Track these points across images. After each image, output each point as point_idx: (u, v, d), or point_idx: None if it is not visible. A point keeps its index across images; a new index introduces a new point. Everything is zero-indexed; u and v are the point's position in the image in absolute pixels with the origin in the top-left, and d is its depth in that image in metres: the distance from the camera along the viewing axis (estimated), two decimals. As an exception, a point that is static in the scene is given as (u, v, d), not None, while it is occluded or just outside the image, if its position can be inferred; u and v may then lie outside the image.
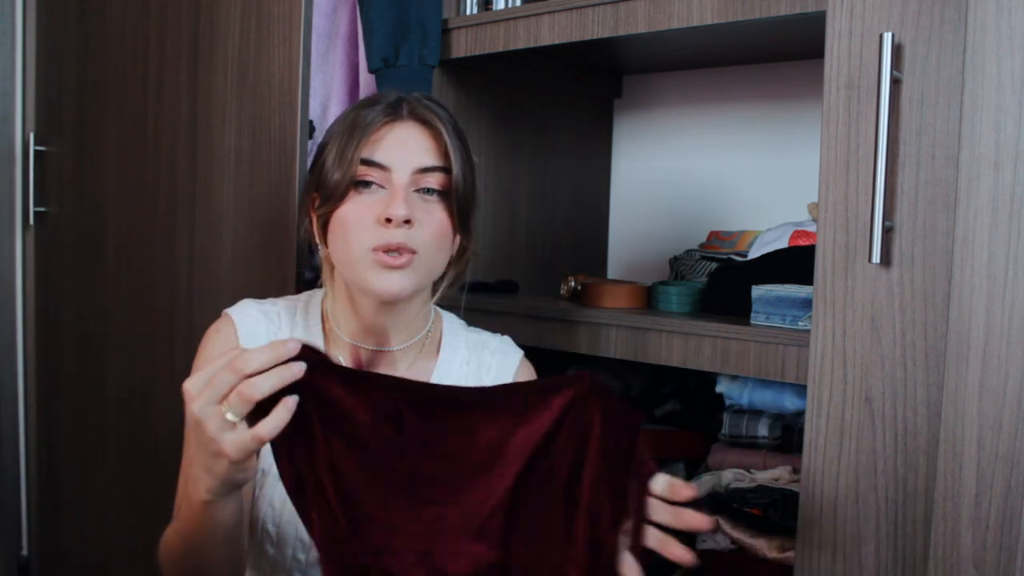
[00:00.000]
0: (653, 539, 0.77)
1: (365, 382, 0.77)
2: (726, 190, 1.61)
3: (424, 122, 0.97)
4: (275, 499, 0.97)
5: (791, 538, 1.06)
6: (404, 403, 0.77)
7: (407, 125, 0.97)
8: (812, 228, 1.23)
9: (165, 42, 1.59)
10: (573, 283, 1.38)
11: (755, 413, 1.19)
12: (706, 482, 1.20)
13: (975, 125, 0.86)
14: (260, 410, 0.72)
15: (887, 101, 0.88)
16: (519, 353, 1.10)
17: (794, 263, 1.12)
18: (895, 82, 0.89)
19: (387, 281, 0.93)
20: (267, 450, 0.76)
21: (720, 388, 1.20)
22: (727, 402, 1.20)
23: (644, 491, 0.77)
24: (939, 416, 0.88)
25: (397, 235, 0.92)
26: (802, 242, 1.21)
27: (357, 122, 0.96)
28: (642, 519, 0.77)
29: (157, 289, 1.62)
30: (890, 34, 0.88)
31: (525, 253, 1.60)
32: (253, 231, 1.43)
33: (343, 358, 1.01)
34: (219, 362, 0.72)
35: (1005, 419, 0.84)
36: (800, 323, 1.04)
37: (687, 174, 1.66)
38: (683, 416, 1.44)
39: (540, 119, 1.60)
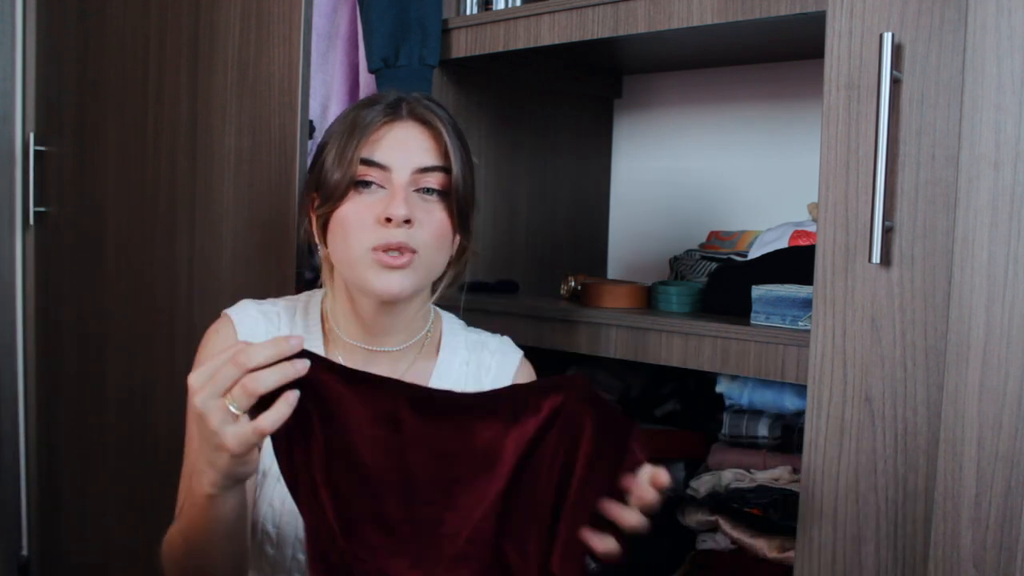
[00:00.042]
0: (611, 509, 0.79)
1: (364, 382, 0.77)
2: (726, 190, 1.61)
3: (424, 122, 0.97)
4: (275, 499, 0.97)
5: (791, 538, 1.06)
6: (403, 403, 0.77)
7: (407, 125, 0.97)
8: (812, 228, 1.23)
9: (165, 42, 1.59)
10: (573, 283, 1.38)
11: (755, 413, 1.19)
12: (706, 482, 1.20)
13: (975, 125, 0.86)
14: (262, 404, 0.73)
15: (887, 101, 0.88)
16: (519, 353, 1.10)
17: (794, 263, 1.12)
18: (895, 82, 0.89)
19: (387, 281, 0.93)
20: (268, 450, 0.77)
21: (720, 388, 1.20)
22: (727, 402, 1.20)
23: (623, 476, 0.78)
24: (939, 416, 0.88)
25: (397, 235, 0.92)
26: (802, 242, 1.21)
27: (357, 122, 0.96)
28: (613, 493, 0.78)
29: (157, 289, 1.62)
30: (890, 34, 0.88)
31: (525, 253, 1.60)
32: (253, 231, 1.43)
33: (343, 358, 1.01)
34: (222, 356, 0.73)
35: (1005, 419, 0.84)
36: (800, 323, 1.04)
37: (687, 174, 1.66)
38: (683, 416, 1.44)
39: (540, 119, 1.60)
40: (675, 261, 1.46)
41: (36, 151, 1.91)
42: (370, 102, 0.99)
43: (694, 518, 1.21)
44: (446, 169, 0.96)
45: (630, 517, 0.79)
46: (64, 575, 1.94)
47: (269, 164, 1.39)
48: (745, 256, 1.33)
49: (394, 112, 0.97)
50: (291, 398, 0.73)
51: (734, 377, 1.18)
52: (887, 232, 0.90)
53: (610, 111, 1.75)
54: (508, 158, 1.55)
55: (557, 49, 1.26)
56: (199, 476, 0.78)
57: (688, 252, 1.45)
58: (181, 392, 0.78)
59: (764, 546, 1.12)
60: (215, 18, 1.48)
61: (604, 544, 0.79)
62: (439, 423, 0.77)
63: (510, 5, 1.32)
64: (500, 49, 1.29)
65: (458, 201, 0.97)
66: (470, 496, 0.78)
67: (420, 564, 0.77)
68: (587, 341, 1.21)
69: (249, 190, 1.43)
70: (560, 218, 1.66)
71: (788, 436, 1.17)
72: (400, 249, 0.92)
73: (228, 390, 0.72)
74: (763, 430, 1.17)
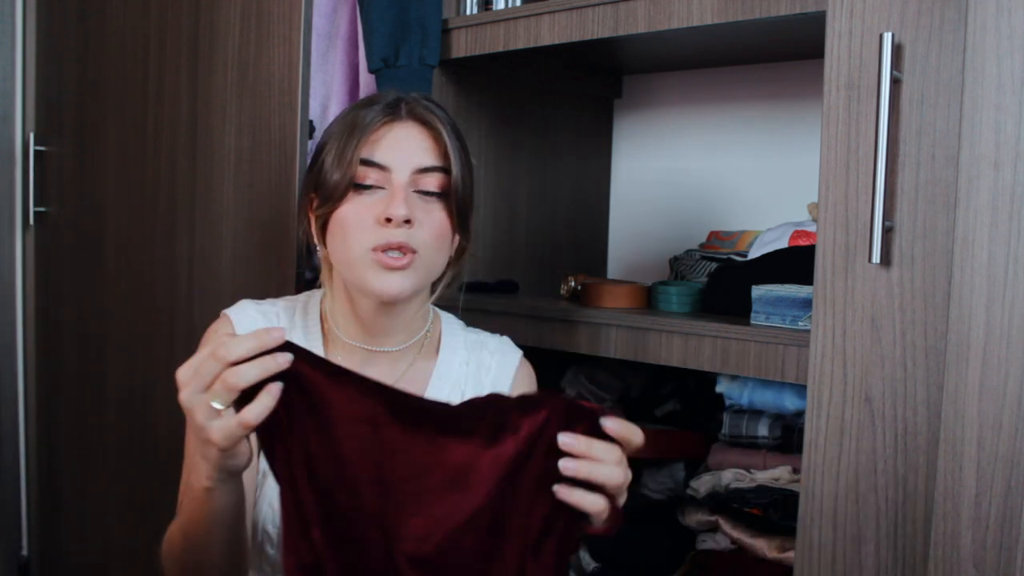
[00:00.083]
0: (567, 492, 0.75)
1: (346, 380, 0.77)
2: (726, 190, 1.61)
3: (423, 122, 0.97)
4: (274, 500, 0.97)
5: (791, 538, 1.06)
6: (381, 409, 0.76)
7: (406, 125, 0.97)
8: (812, 228, 1.23)
9: (165, 42, 1.59)
10: (573, 283, 1.38)
11: (755, 413, 1.19)
12: (706, 482, 1.20)
13: (975, 125, 0.86)
14: (248, 397, 0.72)
15: (887, 101, 0.88)
16: (518, 353, 1.10)
17: (794, 263, 1.12)
18: (895, 82, 0.89)
19: (387, 282, 0.93)
20: None
21: (720, 388, 1.20)
22: (727, 402, 1.20)
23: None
24: (939, 416, 0.88)
25: (397, 235, 0.92)
26: (802, 242, 1.21)
27: (356, 122, 0.96)
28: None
29: (157, 289, 1.62)
30: (890, 34, 0.88)
31: (525, 253, 1.60)
32: (253, 231, 1.43)
33: (342, 358, 1.01)
34: (204, 350, 0.73)
35: (1005, 419, 0.84)
36: (800, 323, 1.04)
37: (687, 174, 1.66)
38: (683, 416, 1.43)
39: (540, 119, 1.60)
40: (675, 261, 1.46)
41: (36, 151, 1.91)
42: (369, 102, 0.99)
43: (694, 518, 1.21)
44: (446, 169, 0.96)
45: (589, 500, 0.75)
46: (64, 575, 1.94)
47: (269, 164, 1.39)
48: (745, 256, 1.33)
49: (393, 112, 0.97)
50: (274, 390, 0.73)
51: (734, 377, 1.18)
52: (887, 232, 0.90)
53: (610, 111, 1.75)
54: (508, 158, 1.55)
55: (557, 49, 1.26)
56: (195, 470, 0.79)
57: (688, 252, 1.45)
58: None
59: (764, 546, 1.12)
60: (215, 18, 1.48)
61: (593, 503, 0.74)
62: (413, 435, 0.77)
63: (510, 5, 1.32)
64: (500, 49, 1.29)
65: (458, 202, 0.97)
66: (442, 506, 0.77)
67: (390, 558, 0.77)
68: (587, 341, 1.21)
69: (249, 190, 1.43)
70: (560, 218, 1.66)
71: (788, 436, 1.17)
72: (401, 249, 0.92)
73: (210, 385, 0.72)
74: (763, 430, 1.17)
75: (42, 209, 1.92)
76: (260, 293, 1.12)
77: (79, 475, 1.85)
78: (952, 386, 0.88)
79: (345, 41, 1.46)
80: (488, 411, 0.78)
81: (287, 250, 1.36)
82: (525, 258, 1.60)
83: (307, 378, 0.75)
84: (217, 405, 0.72)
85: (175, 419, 0.75)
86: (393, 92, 1.00)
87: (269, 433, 0.75)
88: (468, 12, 1.36)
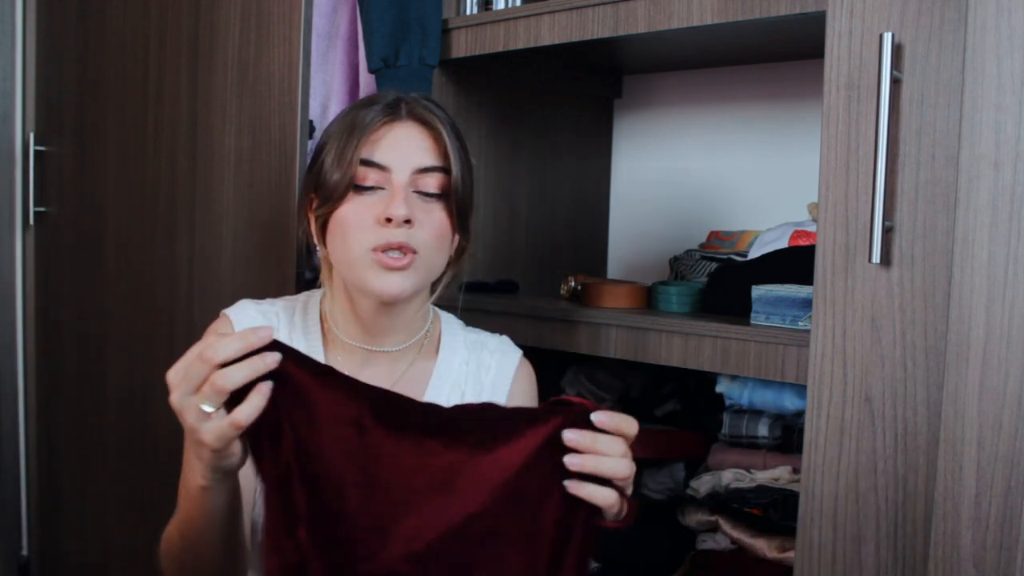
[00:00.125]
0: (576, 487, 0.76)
1: (333, 382, 0.76)
2: (726, 190, 1.61)
3: (423, 122, 0.97)
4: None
5: (791, 538, 1.06)
6: (366, 412, 0.76)
7: (406, 125, 0.97)
8: (812, 228, 1.23)
9: (165, 42, 1.59)
10: (573, 283, 1.38)
11: (755, 413, 1.19)
12: (706, 482, 1.20)
13: (975, 125, 0.86)
14: (238, 396, 0.72)
15: (887, 101, 0.88)
16: (518, 353, 1.10)
17: (794, 263, 1.12)
18: (895, 82, 0.89)
19: (387, 282, 0.93)
20: None
21: (720, 388, 1.20)
22: (727, 402, 1.20)
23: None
24: (939, 416, 0.88)
25: (397, 235, 0.92)
26: (802, 242, 1.21)
27: (356, 122, 0.96)
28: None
29: (157, 289, 1.62)
30: (890, 34, 0.88)
31: (525, 253, 1.60)
32: (253, 231, 1.43)
33: (342, 358, 1.01)
34: (192, 352, 0.73)
35: (1005, 419, 0.84)
36: (800, 323, 1.04)
37: (687, 174, 1.66)
38: (683, 416, 1.44)
39: (540, 119, 1.60)
40: (675, 261, 1.46)
41: (36, 151, 1.91)
42: (368, 102, 0.99)
43: (694, 518, 1.21)
44: (446, 169, 0.96)
45: (600, 494, 0.75)
46: (64, 575, 1.94)
47: (269, 164, 1.39)
48: (745, 256, 1.33)
49: (393, 112, 0.97)
50: (264, 389, 0.72)
51: (734, 377, 1.18)
52: (887, 232, 0.90)
53: (610, 111, 1.75)
54: (508, 158, 1.55)
55: (557, 49, 1.26)
56: (191, 469, 0.79)
57: (688, 252, 1.45)
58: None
59: (764, 546, 1.12)
60: (215, 18, 1.48)
61: (604, 496, 0.75)
62: (399, 438, 0.76)
63: (510, 5, 1.32)
64: (500, 49, 1.29)
65: (458, 202, 0.97)
66: (429, 509, 0.76)
67: (374, 558, 0.76)
68: (587, 341, 1.21)
69: (249, 190, 1.43)
70: (560, 218, 1.66)
71: (788, 436, 1.17)
72: (401, 249, 0.92)
73: (200, 387, 0.72)
74: (763, 430, 1.17)
75: (42, 209, 1.92)
76: (260, 293, 1.12)
77: (79, 475, 1.85)
78: (952, 386, 0.88)
79: (345, 41, 1.46)
80: (482, 419, 0.78)
81: (287, 250, 1.36)
82: (525, 258, 1.60)
83: (294, 378, 0.74)
84: (207, 408, 0.72)
85: (175, 419, 0.75)
86: (393, 92, 1.00)
87: (258, 431, 0.74)
88: (468, 12, 1.36)
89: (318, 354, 1.01)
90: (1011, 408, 0.84)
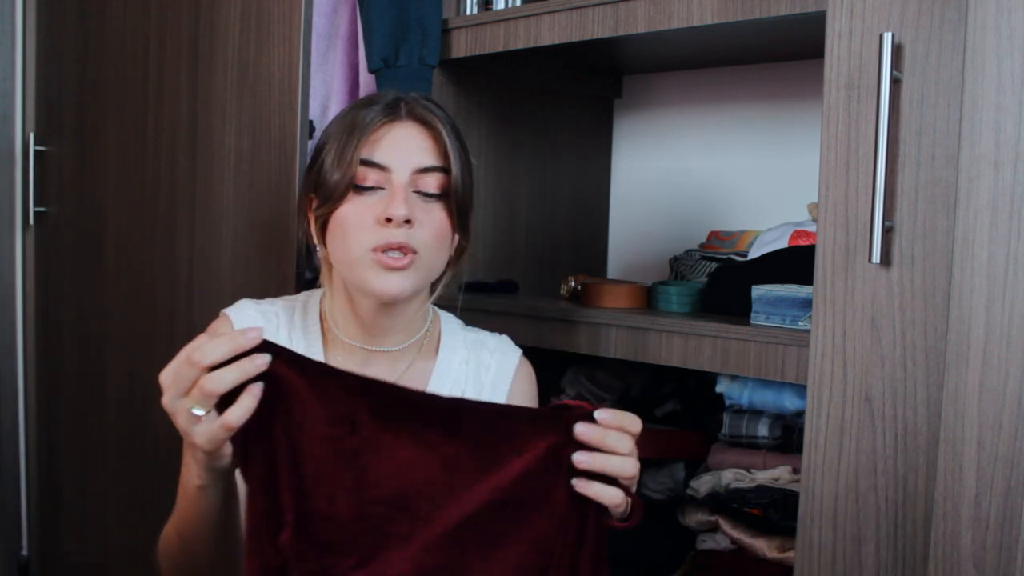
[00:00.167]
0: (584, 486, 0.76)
1: (327, 378, 0.76)
2: (726, 190, 1.61)
3: (423, 122, 0.97)
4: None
5: (791, 538, 1.06)
6: (362, 407, 0.75)
7: (406, 125, 0.96)
8: (812, 228, 1.23)
9: (165, 42, 1.59)
10: (573, 283, 1.38)
11: (755, 413, 1.19)
12: (706, 482, 1.20)
13: (975, 125, 0.86)
14: (229, 396, 0.72)
15: (887, 101, 0.88)
16: (518, 352, 1.10)
17: (794, 263, 1.12)
18: (895, 82, 0.89)
19: (387, 282, 0.93)
20: None
21: (720, 388, 1.20)
22: (727, 402, 1.20)
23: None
24: (939, 416, 0.88)
25: (397, 235, 0.92)
26: (802, 242, 1.21)
27: (356, 122, 0.96)
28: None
29: (157, 289, 1.62)
30: (890, 34, 0.88)
31: (525, 253, 1.60)
32: (253, 231, 1.43)
33: (342, 358, 1.01)
34: (182, 354, 0.73)
35: (1005, 419, 0.84)
36: (800, 323, 1.04)
37: (687, 174, 1.66)
38: (683, 416, 1.44)
39: (540, 119, 1.60)
40: (675, 261, 1.46)
41: (36, 151, 1.91)
42: (368, 102, 0.99)
43: (694, 518, 1.21)
44: (445, 169, 0.96)
45: (608, 493, 0.76)
46: (64, 575, 1.94)
47: (269, 164, 1.39)
48: (745, 256, 1.33)
49: (393, 112, 0.97)
50: (255, 390, 0.72)
51: (734, 377, 1.18)
52: (887, 232, 0.90)
53: (610, 111, 1.75)
54: (508, 158, 1.55)
55: (557, 49, 1.26)
56: (188, 468, 0.80)
57: (688, 252, 1.45)
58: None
59: (764, 546, 1.12)
60: (215, 18, 1.48)
61: (612, 495, 0.75)
62: (397, 432, 0.76)
63: (510, 5, 1.32)
64: (500, 49, 1.29)
65: (457, 202, 0.97)
66: (427, 503, 0.76)
67: (366, 564, 0.76)
68: (587, 341, 1.21)
69: (249, 190, 1.43)
70: (560, 218, 1.66)
71: (788, 436, 1.17)
72: (401, 249, 0.92)
73: (189, 390, 0.72)
74: (763, 430, 1.17)
75: (42, 209, 1.92)
76: (260, 293, 1.12)
77: (79, 475, 1.85)
78: (952, 386, 0.88)
79: (345, 41, 1.46)
80: (483, 415, 0.77)
81: (287, 250, 1.36)
82: (525, 258, 1.60)
83: (285, 379, 0.74)
84: (197, 411, 0.72)
85: (173, 419, 0.75)
86: (392, 92, 1.00)
87: (246, 433, 0.74)
88: (468, 12, 1.36)
89: (318, 354, 1.01)
90: (1011, 408, 0.84)
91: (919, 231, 0.89)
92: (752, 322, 1.08)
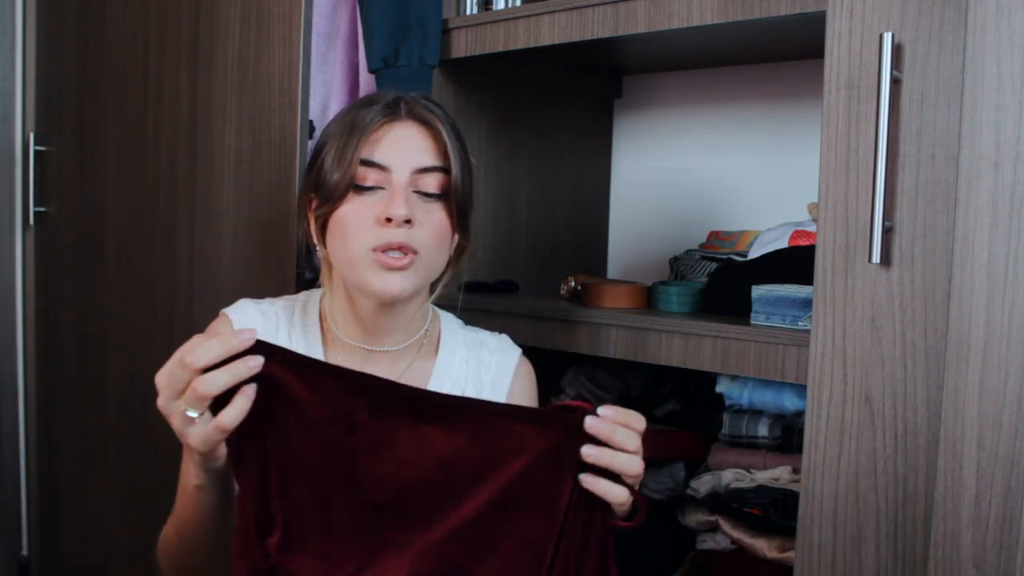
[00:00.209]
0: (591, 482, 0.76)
1: (326, 376, 0.76)
2: (726, 190, 1.61)
3: (423, 122, 0.97)
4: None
5: (791, 538, 1.06)
6: (362, 405, 0.75)
7: (406, 125, 0.96)
8: (812, 228, 1.23)
9: (165, 42, 1.59)
10: (573, 283, 1.38)
11: (755, 413, 1.19)
12: (706, 482, 1.20)
13: (975, 125, 0.86)
14: (224, 397, 0.72)
15: (887, 101, 0.88)
16: (517, 351, 1.10)
17: (794, 263, 1.12)
18: (895, 82, 0.89)
19: (387, 282, 0.93)
20: None
21: (720, 388, 1.20)
22: (727, 402, 1.20)
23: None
24: (939, 416, 0.88)
25: (398, 235, 0.92)
26: (802, 242, 1.21)
27: (355, 122, 0.95)
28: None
29: (157, 289, 1.62)
30: (890, 34, 0.88)
31: (525, 253, 1.60)
32: (253, 231, 1.43)
33: (342, 358, 1.01)
34: (176, 356, 0.73)
35: (1005, 419, 0.84)
36: (800, 323, 1.04)
37: (687, 174, 1.66)
38: (683, 416, 1.44)
39: (540, 119, 1.60)
40: (675, 261, 1.46)
41: (36, 151, 1.91)
42: (368, 102, 0.98)
43: (694, 518, 1.21)
44: (445, 169, 0.96)
45: (615, 491, 0.76)
46: (64, 575, 1.94)
47: (269, 164, 1.39)
48: (745, 256, 1.33)
49: (393, 112, 0.97)
50: (249, 392, 0.72)
51: (734, 377, 1.18)
52: (887, 232, 0.90)
53: (610, 111, 1.75)
54: (508, 158, 1.55)
55: (557, 49, 1.26)
56: (187, 468, 0.80)
57: (688, 252, 1.45)
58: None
59: (764, 546, 1.12)
60: (215, 18, 1.48)
61: (618, 493, 0.75)
62: (396, 429, 0.75)
63: (510, 5, 1.32)
64: (500, 49, 1.29)
65: (457, 201, 0.97)
66: (425, 505, 0.75)
67: (362, 572, 0.76)
68: (587, 341, 1.21)
69: (249, 190, 1.43)
70: (560, 218, 1.66)
71: (788, 436, 1.17)
72: (401, 249, 0.92)
73: (183, 393, 0.72)
74: (763, 430, 1.17)
75: (42, 209, 1.92)
76: (260, 293, 1.12)
77: (79, 475, 1.85)
78: (952, 386, 0.88)
79: (345, 41, 1.46)
80: (482, 413, 0.77)
81: (287, 250, 1.36)
82: (525, 258, 1.60)
83: (280, 380, 0.74)
84: (191, 413, 0.72)
85: (173, 420, 0.75)
86: (392, 92, 1.00)
87: (239, 434, 0.74)
88: (468, 12, 1.36)
89: (317, 354, 1.01)
90: (1011, 408, 0.84)
91: (919, 231, 0.89)
92: (752, 322, 1.08)
